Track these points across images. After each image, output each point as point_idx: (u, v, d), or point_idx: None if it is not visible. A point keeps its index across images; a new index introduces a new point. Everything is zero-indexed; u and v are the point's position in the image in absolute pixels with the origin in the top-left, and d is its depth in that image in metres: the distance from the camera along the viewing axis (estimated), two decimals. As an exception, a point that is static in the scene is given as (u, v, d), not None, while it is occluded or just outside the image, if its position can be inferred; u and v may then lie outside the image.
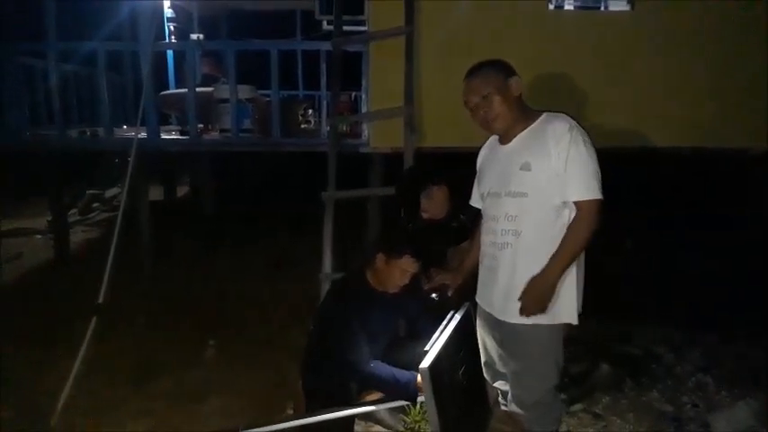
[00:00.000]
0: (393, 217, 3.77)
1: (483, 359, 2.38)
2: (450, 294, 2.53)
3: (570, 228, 2.04)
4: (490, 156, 2.31)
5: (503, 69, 2.15)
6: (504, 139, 2.20)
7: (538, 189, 2.04)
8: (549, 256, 2.05)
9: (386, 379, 2.48)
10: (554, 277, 2.03)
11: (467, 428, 2.45)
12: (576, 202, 2.02)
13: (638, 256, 5.44)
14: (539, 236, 2.06)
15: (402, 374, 2.48)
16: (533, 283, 2.04)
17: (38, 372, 3.49)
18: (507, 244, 2.11)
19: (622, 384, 3.40)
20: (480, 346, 2.38)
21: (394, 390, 2.49)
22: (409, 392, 2.47)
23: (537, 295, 2.03)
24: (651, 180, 5.41)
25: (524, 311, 2.06)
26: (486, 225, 2.25)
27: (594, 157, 2.04)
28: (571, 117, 2.11)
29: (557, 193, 2.03)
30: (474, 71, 2.17)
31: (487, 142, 2.37)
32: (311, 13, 6.17)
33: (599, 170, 2.04)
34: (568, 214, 2.06)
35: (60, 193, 5.97)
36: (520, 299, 2.07)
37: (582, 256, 2.13)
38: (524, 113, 2.15)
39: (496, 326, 2.22)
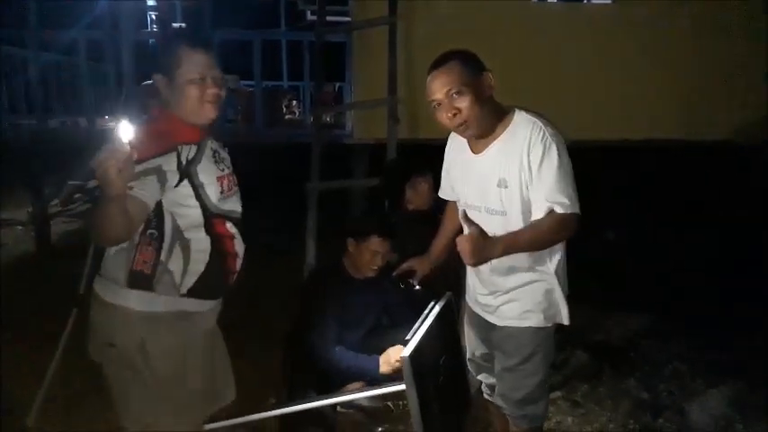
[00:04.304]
0: (378, 207, 3.80)
1: (468, 354, 2.35)
2: (416, 281, 2.44)
3: (541, 221, 1.84)
4: (461, 161, 2.10)
5: (473, 63, 1.89)
6: (476, 147, 1.99)
7: (516, 206, 1.91)
8: (531, 267, 1.98)
9: (350, 366, 2.51)
10: (498, 248, 1.80)
11: (448, 418, 2.48)
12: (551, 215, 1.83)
13: (617, 246, 5.51)
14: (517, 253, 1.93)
15: (365, 360, 2.51)
16: (485, 243, 1.79)
17: (16, 365, 3.41)
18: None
19: (600, 372, 3.44)
20: (467, 341, 2.36)
21: (358, 376, 2.53)
22: (373, 376, 2.49)
23: (478, 253, 1.78)
24: (633, 171, 5.48)
25: (458, 245, 1.83)
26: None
27: (570, 167, 1.85)
28: (545, 118, 1.91)
29: (534, 208, 1.88)
30: (439, 63, 1.90)
31: (456, 136, 2.07)
32: (295, 4, 6.15)
33: (574, 182, 1.85)
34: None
35: (41, 184, 5.91)
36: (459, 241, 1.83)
37: (564, 260, 2.03)
38: (496, 116, 1.93)
39: (485, 326, 2.17)
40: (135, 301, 1.70)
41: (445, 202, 2.47)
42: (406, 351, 2.20)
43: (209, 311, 1.88)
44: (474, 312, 2.23)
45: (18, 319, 4.05)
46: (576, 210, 1.83)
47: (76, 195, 8.46)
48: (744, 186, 5.23)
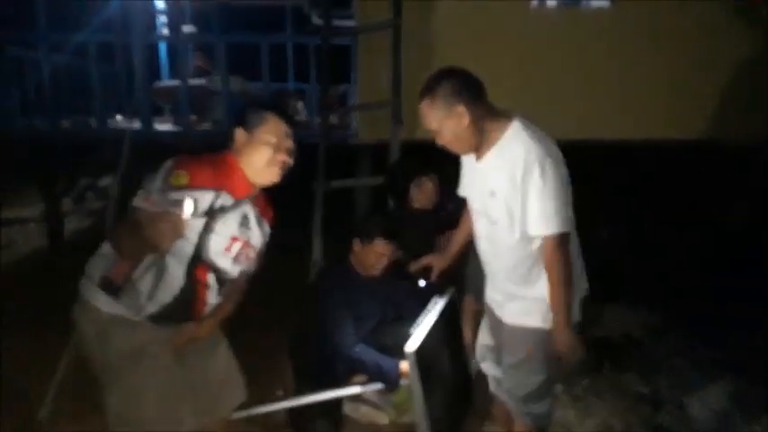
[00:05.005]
0: (382, 206, 3.86)
1: (480, 341, 2.42)
2: (434, 277, 2.53)
3: (547, 270, 1.98)
4: (470, 165, 2.16)
5: (450, 96, 1.93)
6: (478, 153, 2.06)
7: (505, 217, 1.98)
8: (523, 278, 2.07)
9: (369, 364, 2.57)
10: (563, 325, 1.99)
11: (451, 412, 2.53)
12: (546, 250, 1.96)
13: (618, 244, 5.54)
14: (511, 261, 2.06)
15: (385, 361, 2.56)
16: (555, 340, 2.02)
17: (28, 361, 3.43)
18: (490, 262, 2.17)
19: (601, 367, 3.49)
20: (481, 329, 2.43)
21: (376, 375, 2.58)
22: (391, 379, 2.55)
23: (564, 347, 2.01)
24: (629, 171, 5.50)
25: (565, 362, 2.07)
26: (475, 236, 2.24)
27: (556, 184, 1.89)
28: (539, 132, 1.96)
29: (518, 227, 1.97)
30: (422, 96, 1.99)
31: None
32: (301, 9, 6.22)
33: (561, 198, 1.91)
34: (539, 241, 1.99)
35: (53, 183, 6.00)
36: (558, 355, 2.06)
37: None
38: (486, 130, 1.98)
39: (496, 320, 2.25)
40: (102, 301, 1.78)
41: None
42: (413, 346, 2.26)
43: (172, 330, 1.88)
44: (488, 306, 2.31)
45: (32, 315, 4.12)
46: (564, 228, 1.92)
47: (88, 193, 8.57)
48: (743, 186, 5.26)
